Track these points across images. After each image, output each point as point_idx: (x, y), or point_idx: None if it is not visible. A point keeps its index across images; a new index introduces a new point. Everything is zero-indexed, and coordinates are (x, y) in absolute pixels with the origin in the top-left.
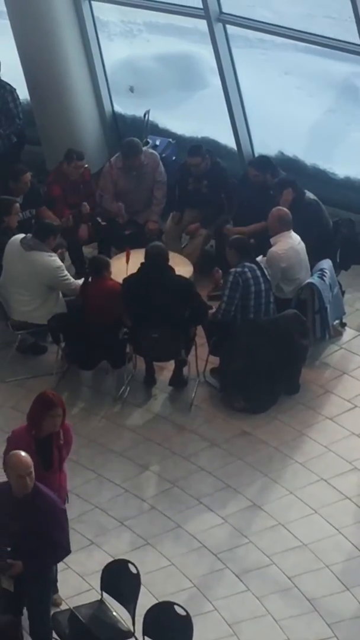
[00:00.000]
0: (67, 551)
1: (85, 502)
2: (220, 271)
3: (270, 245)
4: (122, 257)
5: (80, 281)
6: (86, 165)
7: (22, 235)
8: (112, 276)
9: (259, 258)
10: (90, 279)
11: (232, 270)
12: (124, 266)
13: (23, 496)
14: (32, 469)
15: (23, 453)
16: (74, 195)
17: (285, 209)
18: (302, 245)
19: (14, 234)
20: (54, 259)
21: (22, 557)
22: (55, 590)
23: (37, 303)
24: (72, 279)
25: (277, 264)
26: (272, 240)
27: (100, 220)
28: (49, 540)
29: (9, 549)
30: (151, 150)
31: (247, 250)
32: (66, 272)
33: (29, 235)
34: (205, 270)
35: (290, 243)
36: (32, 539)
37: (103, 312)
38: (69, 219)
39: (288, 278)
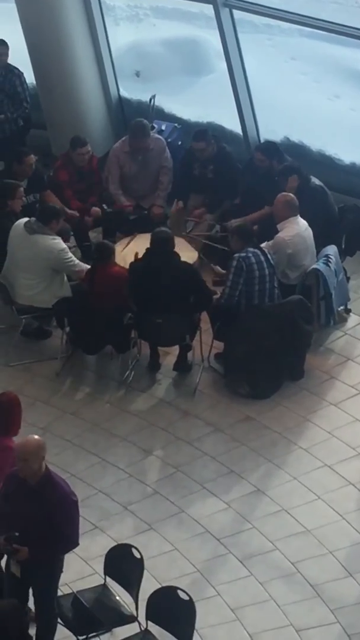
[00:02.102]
0: (75, 543)
1: (89, 487)
2: (217, 267)
3: (277, 231)
4: (127, 241)
5: (85, 265)
6: (90, 151)
7: (25, 219)
8: (121, 260)
9: (264, 244)
10: (96, 265)
11: (236, 255)
12: (131, 250)
13: (35, 484)
14: (36, 456)
15: (32, 437)
16: (81, 182)
17: (291, 195)
18: (309, 231)
19: (18, 218)
20: (58, 242)
21: (29, 544)
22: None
23: (41, 287)
24: (77, 261)
25: (283, 249)
26: (278, 226)
27: (105, 207)
28: (56, 531)
29: (17, 534)
30: (157, 136)
31: (250, 236)
32: (70, 255)
33: (33, 219)
34: (210, 255)
35: (297, 229)
36: (39, 528)
37: (109, 297)
38: (75, 215)
39: (294, 264)
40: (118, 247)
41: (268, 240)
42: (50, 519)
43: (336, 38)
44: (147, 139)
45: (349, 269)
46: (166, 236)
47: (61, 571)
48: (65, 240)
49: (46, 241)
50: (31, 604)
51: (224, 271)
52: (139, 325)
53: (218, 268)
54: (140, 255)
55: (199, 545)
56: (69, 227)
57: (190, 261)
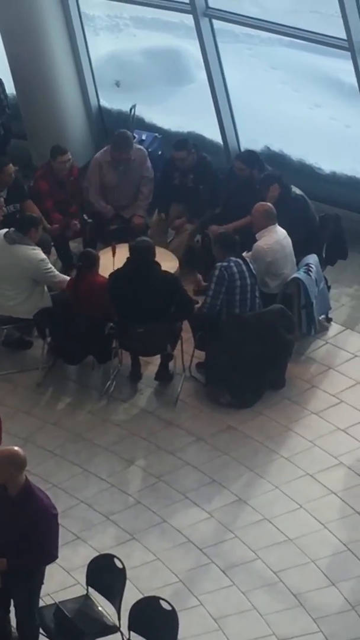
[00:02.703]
0: (53, 557)
1: (71, 497)
2: (199, 275)
3: (256, 240)
4: (108, 251)
5: (66, 275)
6: (71, 159)
7: (5, 230)
8: (99, 271)
9: (244, 254)
10: (80, 274)
11: (218, 264)
12: (110, 260)
13: (15, 495)
14: (12, 468)
15: (7, 449)
16: (61, 191)
17: (268, 204)
18: (288, 239)
19: None
20: (37, 252)
21: (7, 556)
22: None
23: (22, 297)
24: (57, 272)
25: (262, 258)
26: (257, 235)
27: (86, 218)
28: (35, 543)
29: None
30: (139, 146)
31: (233, 245)
32: (50, 265)
33: (12, 229)
34: (191, 265)
35: (276, 237)
36: (18, 540)
37: (92, 306)
38: (56, 229)
39: (273, 273)
40: (103, 256)
41: (248, 249)
42: (28, 531)
43: (316, 47)
44: (129, 151)
45: (330, 277)
46: (147, 246)
47: (42, 582)
48: (47, 252)
49: (26, 251)
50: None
51: (205, 283)
52: (120, 334)
53: (200, 278)
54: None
55: (181, 555)
56: (49, 237)
57: (172, 270)
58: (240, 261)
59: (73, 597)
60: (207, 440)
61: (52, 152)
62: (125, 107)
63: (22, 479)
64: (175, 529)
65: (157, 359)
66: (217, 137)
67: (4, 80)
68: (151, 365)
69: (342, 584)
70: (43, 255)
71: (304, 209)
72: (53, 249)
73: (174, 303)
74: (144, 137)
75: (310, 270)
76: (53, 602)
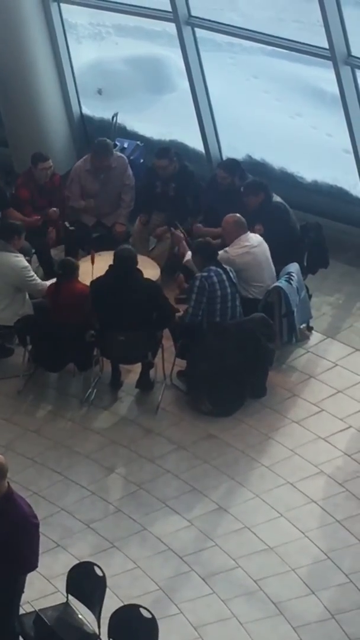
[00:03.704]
0: (33, 565)
1: (51, 505)
2: (182, 275)
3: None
4: (89, 259)
5: (48, 282)
6: (52, 166)
7: None
8: (79, 278)
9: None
10: (59, 282)
11: (198, 274)
12: (90, 268)
13: None
14: None
15: None
16: (43, 199)
17: (237, 215)
18: (264, 246)
19: None
20: (20, 259)
21: None
22: None
23: (3, 304)
24: (39, 280)
25: (232, 266)
26: (229, 247)
27: (68, 225)
28: (15, 552)
29: None
30: (120, 154)
31: (212, 255)
32: (33, 273)
33: None
34: (173, 273)
35: (247, 245)
36: None
37: (72, 314)
38: (38, 220)
39: (246, 281)
40: (84, 264)
41: None
42: (8, 539)
43: (298, 56)
44: (109, 158)
45: (311, 286)
46: (129, 254)
47: (22, 591)
48: (28, 260)
49: (8, 259)
50: None
51: (187, 285)
52: (101, 342)
53: (182, 278)
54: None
55: (162, 563)
56: (29, 245)
57: (153, 278)
58: (221, 270)
59: (53, 604)
60: (188, 448)
61: (33, 158)
62: (107, 115)
63: (3, 487)
64: (155, 537)
65: (138, 367)
66: (199, 146)
67: None
68: (132, 373)
69: (322, 592)
70: (26, 263)
71: (284, 217)
72: (35, 257)
73: (155, 310)
74: (125, 145)
75: (291, 279)
76: (33, 609)
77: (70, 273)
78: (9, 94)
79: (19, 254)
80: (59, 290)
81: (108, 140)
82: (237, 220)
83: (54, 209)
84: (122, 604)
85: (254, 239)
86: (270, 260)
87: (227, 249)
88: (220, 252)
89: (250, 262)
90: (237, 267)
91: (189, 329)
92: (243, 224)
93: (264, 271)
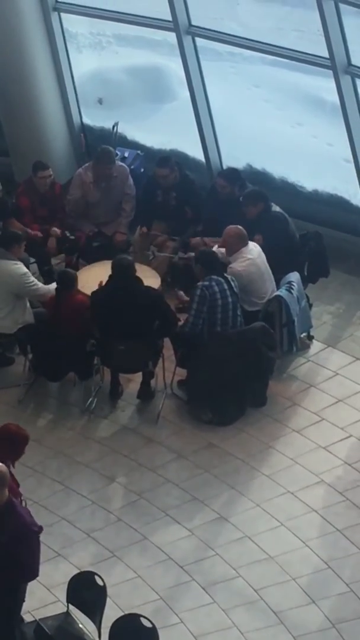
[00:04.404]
0: (34, 574)
1: (52, 514)
2: (181, 292)
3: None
4: (89, 268)
5: (52, 286)
6: (52, 175)
7: None
8: (80, 288)
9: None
10: (59, 295)
11: (199, 284)
12: (91, 276)
13: None
14: None
15: None
16: (43, 207)
17: (239, 226)
18: (263, 256)
19: None
20: (19, 267)
21: None
22: None
23: (3, 313)
24: (40, 285)
25: (239, 280)
26: (230, 258)
27: (68, 235)
28: (16, 560)
29: None
30: (121, 163)
31: (213, 264)
32: (33, 279)
33: None
34: (174, 282)
35: (250, 258)
36: None
37: (73, 324)
38: (37, 234)
39: (251, 293)
40: (84, 273)
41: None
42: (9, 548)
43: (298, 66)
44: (111, 166)
45: (311, 295)
46: (127, 263)
47: (23, 600)
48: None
49: (8, 266)
50: None
51: (187, 298)
52: (101, 351)
53: (182, 294)
54: (103, 284)
55: (162, 573)
56: (27, 256)
57: (154, 287)
58: (222, 279)
59: (53, 614)
60: (188, 457)
61: (33, 167)
62: (107, 125)
63: (4, 495)
64: (156, 546)
65: (138, 376)
66: (199, 155)
67: None
68: (133, 382)
69: (322, 601)
70: (25, 270)
71: (283, 227)
72: (34, 266)
73: (158, 317)
74: (126, 155)
75: (292, 288)
76: (33, 619)
77: (69, 285)
78: (9, 104)
79: (18, 262)
80: (59, 302)
81: (111, 148)
82: (239, 233)
83: (55, 229)
84: (122, 614)
85: (254, 250)
86: (269, 270)
87: (231, 265)
88: (228, 268)
89: (255, 273)
90: (244, 282)
91: (189, 338)
92: (244, 237)
93: (265, 282)
